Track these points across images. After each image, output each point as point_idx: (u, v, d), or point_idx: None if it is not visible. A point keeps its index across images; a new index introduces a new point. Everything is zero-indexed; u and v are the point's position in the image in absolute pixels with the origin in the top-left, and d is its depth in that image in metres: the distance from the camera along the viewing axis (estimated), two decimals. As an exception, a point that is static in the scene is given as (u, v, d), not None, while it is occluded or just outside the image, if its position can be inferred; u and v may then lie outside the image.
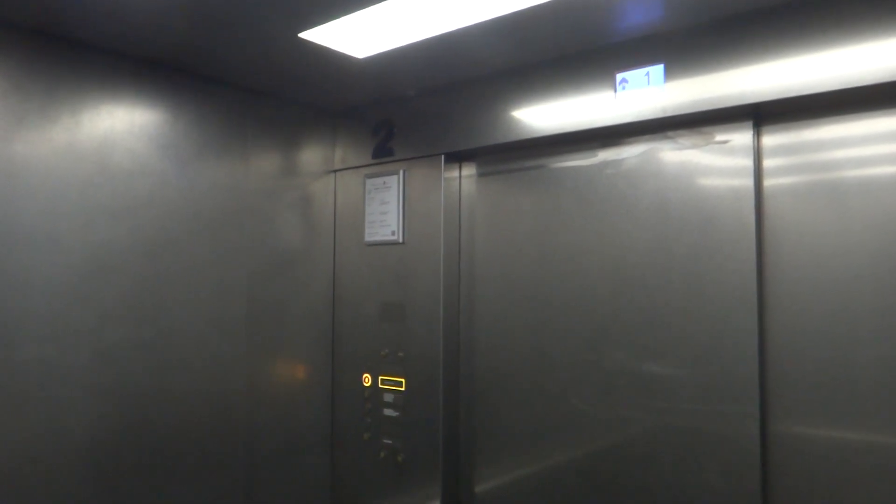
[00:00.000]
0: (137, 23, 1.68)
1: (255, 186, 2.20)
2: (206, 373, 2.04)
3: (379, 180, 2.32)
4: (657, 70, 1.79)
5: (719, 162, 1.75)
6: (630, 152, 1.92)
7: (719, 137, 1.76)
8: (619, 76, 1.82)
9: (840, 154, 1.60)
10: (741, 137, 1.72)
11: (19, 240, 1.67)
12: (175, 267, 1.97)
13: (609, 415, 1.91)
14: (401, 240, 2.25)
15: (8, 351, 1.66)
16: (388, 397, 2.27)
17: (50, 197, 1.73)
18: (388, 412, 2.28)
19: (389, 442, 2.27)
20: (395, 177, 2.28)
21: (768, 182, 1.70)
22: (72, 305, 1.75)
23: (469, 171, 2.25)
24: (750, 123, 1.71)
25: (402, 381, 2.24)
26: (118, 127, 1.86)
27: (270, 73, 2.07)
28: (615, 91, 1.83)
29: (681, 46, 1.71)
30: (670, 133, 1.84)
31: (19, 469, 1.66)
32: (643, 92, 1.79)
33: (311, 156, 2.42)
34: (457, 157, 2.22)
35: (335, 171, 2.47)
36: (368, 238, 2.33)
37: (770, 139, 1.71)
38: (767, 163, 1.71)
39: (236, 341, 2.14)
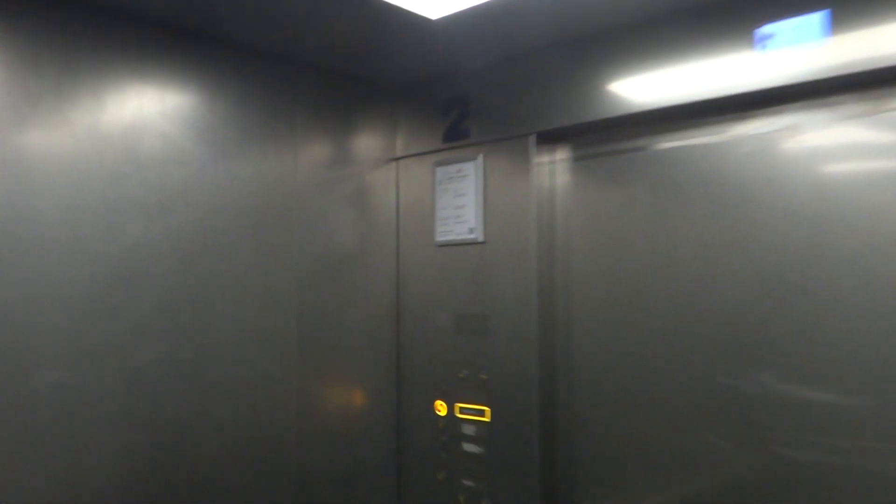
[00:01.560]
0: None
1: (305, 178, 2.12)
2: (252, 398, 1.98)
3: (452, 168, 2.21)
4: (814, 19, 1.58)
5: (899, 134, 1.55)
6: (774, 125, 1.73)
7: (900, 102, 1.55)
8: (761, 30, 1.64)
9: None
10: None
11: (34, 242, 1.60)
12: (215, 274, 1.91)
13: (751, 453, 1.74)
14: (480, 238, 2.14)
15: (22, 376, 1.57)
16: (468, 429, 2.16)
17: (69, 191, 1.66)
18: (468, 447, 2.16)
19: (470, 484, 2.15)
20: (471, 163, 2.16)
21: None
22: (96, 320, 1.68)
23: (564, 154, 2.12)
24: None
25: (485, 410, 2.13)
26: (148, 108, 1.79)
27: (322, 41, 1.98)
28: (757, 47, 1.65)
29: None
30: (831, 99, 1.64)
31: (36, 521, 1.58)
32: (796, 48, 1.59)
33: (369, 141, 2.34)
34: (549, 138, 2.09)
35: (397, 158, 2.37)
36: (440, 237, 2.24)
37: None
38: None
39: (286, 361, 2.07)
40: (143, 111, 1.79)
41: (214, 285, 1.91)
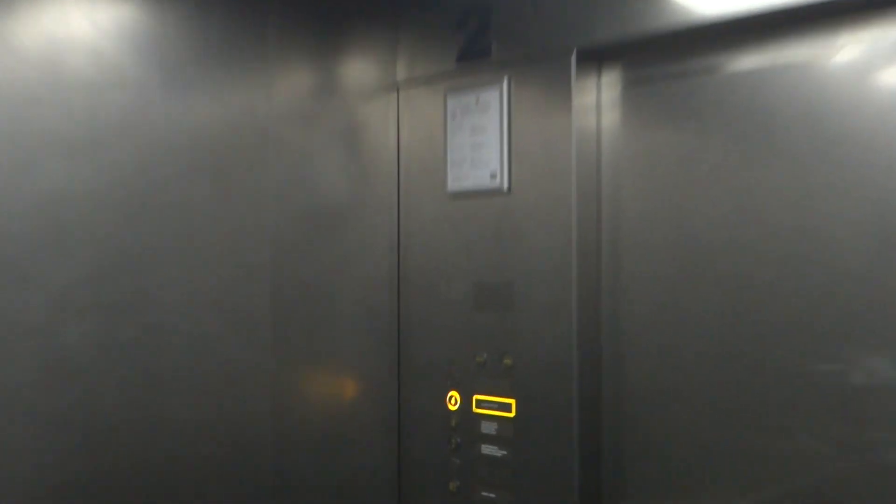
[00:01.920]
0: None
1: (280, 111, 1.98)
2: (214, 391, 1.86)
3: (469, 97, 1.98)
4: None
5: None
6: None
7: None
8: None
9: None
10: None
11: None
12: (164, 232, 1.77)
13: (855, 458, 1.59)
14: (505, 187, 1.93)
15: None
16: (488, 427, 1.97)
17: None
18: (488, 450, 1.97)
19: (492, 496, 1.96)
20: (494, 90, 1.93)
21: None
22: (6, 289, 1.55)
23: (614, 76, 1.89)
24: None
25: (510, 404, 1.93)
26: (75, 18, 1.65)
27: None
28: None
29: None
30: None
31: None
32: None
33: (362, 63, 2.17)
34: (595, 56, 1.87)
35: (398, 85, 2.16)
36: (453, 185, 2.02)
37: None
38: None
39: (257, 343, 1.94)
40: (70, 22, 1.66)
41: (163, 247, 1.77)
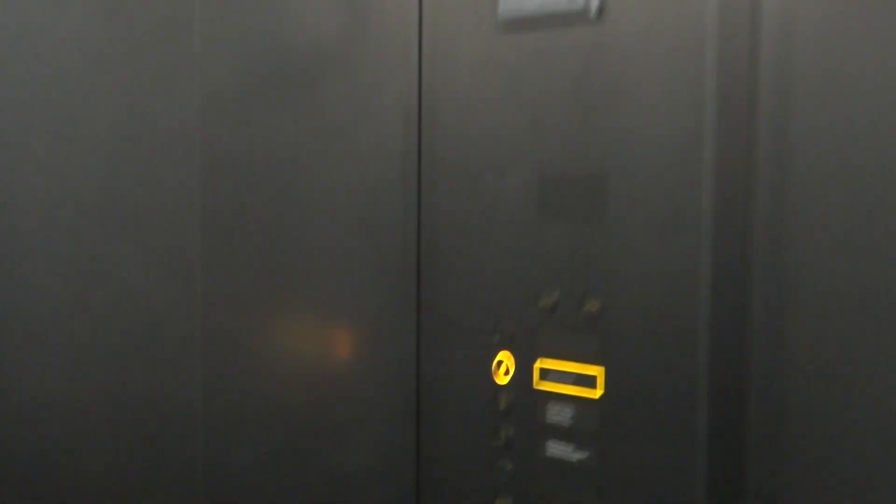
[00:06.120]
0: None
1: None
2: (120, 350, 1.59)
3: None
4: None
5: None
6: None
7: None
8: None
9: None
10: None
11: None
12: (39, 102, 1.52)
13: None
14: (594, 8, 1.38)
15: None
16: (558, 412, 1.47)
17: None
18: (556, 449, 1.47)
19: None
20: None
21: None
22: None
23: None
24: None
25: (595, 376, 1.43)
26: None
27: None
28: None
29: None
30: None
31: None
32: None
33: None
34: None
35: None
36: (508, 7, 1.48)
37: None
38: None
39: (181, 277, 1.61)
40: None
41: (33, 124, 1.52)
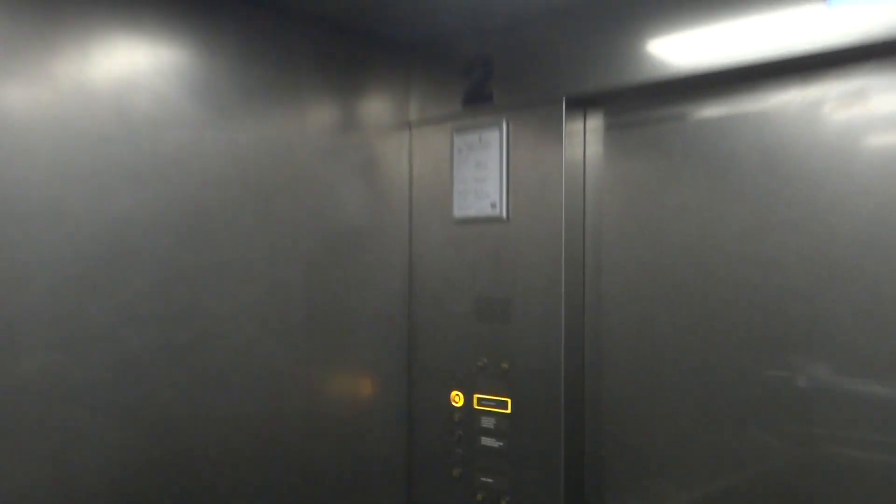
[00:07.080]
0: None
1: (312, 145, 2.06)
2: (255, 389, 1.94)
3: (472, 136, 2.13)
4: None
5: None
6: (839, 90, 1.65)
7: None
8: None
9: None
10: None
11: (12, 214, 1.51)
12: (215, 251, 1.85)
13: (799, 452, 1.71)
14: (504, 215, 2.06)
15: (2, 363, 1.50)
16: (487, 422, 2.11)
17: (52, 155, 1.57)
18: (487, 441, 2.11)
19: (490, 481, 2.10)
20: (494, 131, 2.08)
21: None
22: (81, 300, 1.61)
23: (597, 121, 2.04)
24: None
25: (506, 402, 2.07)
26: (141, 63, 1.72)
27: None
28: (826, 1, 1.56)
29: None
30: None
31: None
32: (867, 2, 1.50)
33: (379, 104, 2.26)
34: (582, 103, 2.02)
35: (411, 124, 2.29)
36: (459, 213, 2.16)
37: None
38: None
39: (292, 348, 2.02)
40: (137, 66, 1.71)
41: (214, 263, 1.85)
